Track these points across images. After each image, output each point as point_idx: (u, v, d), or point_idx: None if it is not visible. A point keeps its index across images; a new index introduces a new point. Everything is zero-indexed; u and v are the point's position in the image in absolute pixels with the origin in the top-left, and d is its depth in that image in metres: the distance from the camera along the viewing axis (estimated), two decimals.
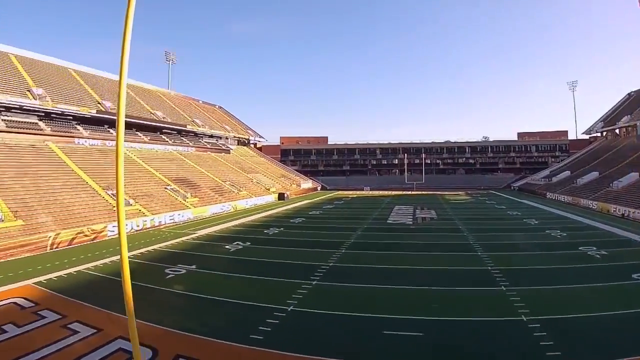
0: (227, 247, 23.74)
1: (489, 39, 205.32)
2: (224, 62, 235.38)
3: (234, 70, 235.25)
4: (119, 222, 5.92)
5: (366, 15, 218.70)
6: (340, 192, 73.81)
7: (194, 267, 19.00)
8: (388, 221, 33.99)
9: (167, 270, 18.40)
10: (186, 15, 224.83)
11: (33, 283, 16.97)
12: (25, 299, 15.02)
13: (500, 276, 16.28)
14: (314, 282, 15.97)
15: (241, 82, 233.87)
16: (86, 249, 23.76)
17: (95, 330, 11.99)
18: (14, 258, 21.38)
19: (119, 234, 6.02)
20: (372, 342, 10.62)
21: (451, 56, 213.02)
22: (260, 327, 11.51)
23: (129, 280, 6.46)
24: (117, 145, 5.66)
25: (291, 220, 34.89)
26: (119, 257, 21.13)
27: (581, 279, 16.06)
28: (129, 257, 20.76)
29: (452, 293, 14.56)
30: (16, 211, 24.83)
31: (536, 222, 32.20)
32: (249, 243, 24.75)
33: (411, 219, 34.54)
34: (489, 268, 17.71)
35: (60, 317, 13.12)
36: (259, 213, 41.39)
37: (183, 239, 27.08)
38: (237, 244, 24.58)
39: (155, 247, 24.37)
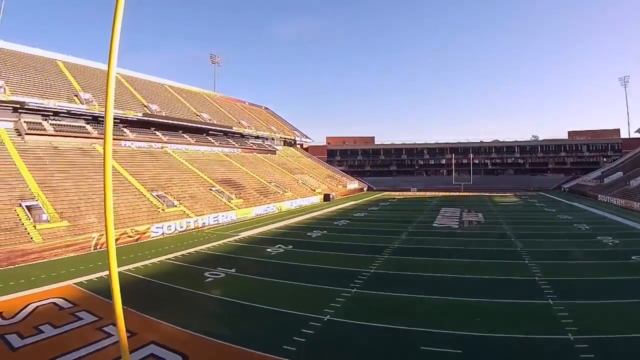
0: (268, 250, 23.55)
1: (537, 36, 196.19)
2: (271, 64, 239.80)
3: (280, 72, 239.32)
4: (107, 229, 5.33)
5: (410, 14, 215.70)
6: (386, 193, 72.78)
7: (233, 270, 18.88)
8: (434, 224, 33.19)
9: (206, 274, 18.38)
10: (230, 18, 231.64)
11: (74, 283, 17.35)
12: (64, 299, 15.30)
13: (547, 287, 15.13)
14: (353, 290, 15.41)
15: (287, 83, 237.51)
16: (129, 250, 24.22)
17: (129, 334, 11.57)
18: (58, 258, 22.10)
19: (107, 242, 5.41)
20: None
21: (499, 54, 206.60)
22: (295, 338, 11.05)
23: (118, 293, 5.81)
24: (105, 148, 5.07)
25: (335, 223, 34.63)
26: (160, 258, 21.75)
27: (636, 293, 14.44)
28: (172, 259, 21.20)
29: (496, 305, 13.59)
30: (62, 212, 25.69)
31: (587, 227, 30.33)
32: (291, 246, 24.49)
33: (457, 223, 33.60)
34: (536, 278, 16.57)
35: (97, 319, 13.20)
36: (303, 215, 41.20)
37: (225, 241, 27.15)
38: (279, 247, 24.34)
39: (197, 248, 24.50)
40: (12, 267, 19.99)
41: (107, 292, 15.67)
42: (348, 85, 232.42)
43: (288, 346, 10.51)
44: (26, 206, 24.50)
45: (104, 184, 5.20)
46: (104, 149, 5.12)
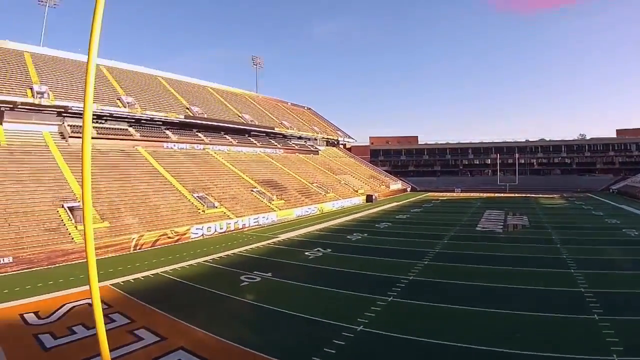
0: (306, 253, 23.33)
1: (584, 33, 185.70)
2: (313, 64, 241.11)
3: (322, 71, 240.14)
4: (85, 234, 4.88)
5: (453, 12, 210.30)
6: (430, 193, 71.78)
7: (269, 274, 18.73)
8: (477, 228, 32.08)
9: (242, 277, 18.29)
10: (271, 19, 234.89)
11: (111, 284, 17.66)
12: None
13: (593, 301, 13.94)
14: (390, 299, 14.81)
15: (330, 83, 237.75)
16: (168, 251, 24.58)
17: (159, 339, 11.90)
18: (98, 258, 22.17)
19: (86, 249, 4.95)
20: None
21: (544, 51, 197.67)
22: (325, 349, 10.66)
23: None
24: (83, 146, 4.61)
25: (376, 225, 34.24)
26: (198, 260, 21.75)
27: None
28: (209, 261, 21.17)
29: (539, 319, 12.63)
30: (103, 213, 26.41)
31: (637, 233, 28.21)
32: (330, 250, 24.13)
33: (501, 226, 32.48)
34: (582, 290, 15.40)
35: (129, 321, 13.29)
36: (344, 216, 40.85)
37: (264, 243, 27.09)
38: (317, 250, 24.06)
39: (235, 250, 24.52)
40: (52, 266, 20.71)
41: (143, 294, 16.09)
42: (391, 83, 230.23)
43: (317, 357, 10.15)
44: (68, 207, 25.40)
45: (82, 185, 4.76)
46: (82, 147, 4.69)
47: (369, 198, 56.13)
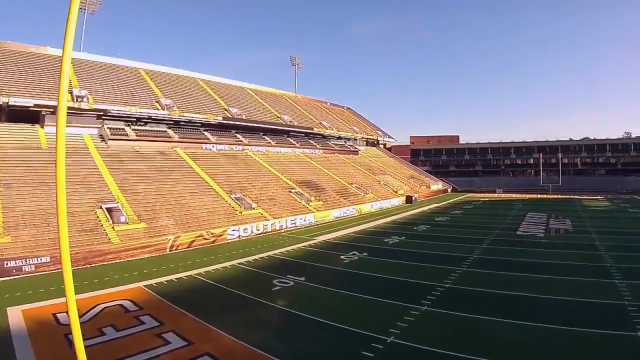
0: (342, 257, 22.91)
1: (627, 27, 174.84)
2: (352, 63, 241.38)
3: (361, 71, 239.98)
4: (60, 243, 4.48)
5: (490, 11, 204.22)
6: (471, 194, 70.20)
7: (302, 279, 18.43)
8: (518, 232, 30.84)
9: (275, 281, 18.07)
10: (310, 19, 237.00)
11: (144, 286, 17.83)
12: (132, 301, 15.65)
13: (638, 316, 12.82)
14: (424, 308, 14.18)
15: (369, 83, 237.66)
16: (203, 253, 24.70)
17: (186, 343, 11.78)
18: (134, 258, 23.11)
19: (61, 259, 4.55)
20: None
21: (585, 48, 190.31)
22: None
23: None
24: (57, 147, 4.22)
25: (415, 228, 33.61)
26: (232, 262, 21.65)
27: None
28: (244, 264, 21.05)
29: (580, 335, 11.66)
30: (140, 214, 26.89)
31: None
32: (366, 254, 23.64)
33: (543, 231, 31.10)
34: (626, 302, 14.21)
35: (158, 324, 13.25)
36: (383, 218, 40.21)
37: (300, 245, 26.83)
38: (353, 254, 23.59)
39: (270, 253, 24.35)
40: (89, 266, 21.21)
41: (175, 297, 16.03)
42: (431, 82, 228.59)
43: None
44: (106, 208, 26.02)
45: (57, 187, 4.38)
46: (57, 147, 4.31)
47: (409, 199, 55.25)
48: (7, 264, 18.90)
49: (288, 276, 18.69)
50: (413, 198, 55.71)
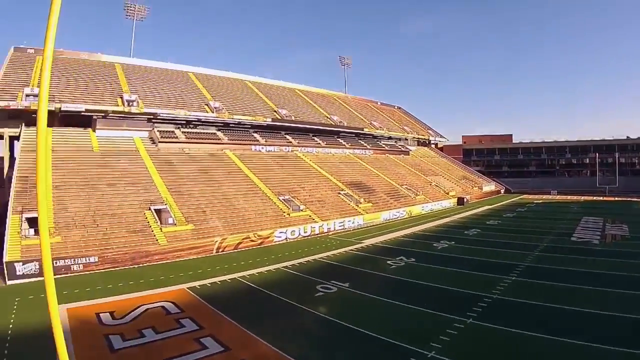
0: (388, 262, 22.30)
1: None
2: (402, 62, 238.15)
3: (412, 69, 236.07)
4: (42, 249, 4.07)
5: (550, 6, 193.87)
6: (524, 196, 67.37)
7: (347, 285, 17.92)
8: (572, 238, 28.78)
9: (318, 287, 17.70)
10: (358, 19, 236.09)
11: (187, 287, 17.97)
12: (174, 303, 15.76)
13: None
14: (469, 321, 13.30)
15: (420, 81, 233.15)
16: (249, 255, 24.74)
17: (223, 349, 11.68)
18: (180, 259, 23.44)
19: (43, 264, 4.14)
20: None
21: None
22: None
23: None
24: (38, 150, 3.83)
25: (465, 232, 32.43)
26: (277, 266, 21.45)
27: None
28: (289, 267, 20.80)
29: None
30: (189, 216, 27.29)
31: None
32: (413, 259, 22.87)
33: (599, 237, 28.95)
34: None
35: (198, 328, 13.22)
36: (433, 220, 39.11)
37: (347, 249, 26.31)
38: (401, 259, 22.89)
39: (316, 257, 23.98)
40: (135, 266, 21.76)
41: (217, 300, 15.96)
42: (484, 81, 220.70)
43: None
44: (155, 210, 26.63)
45: (37, 192, 4.01)
46: (37, 151, 3.93)
47: (460, 201, 53.70)
48: (56, 263, 19.62)
49: (332, 281, 18.27)
50: (465, 200, 54.06)
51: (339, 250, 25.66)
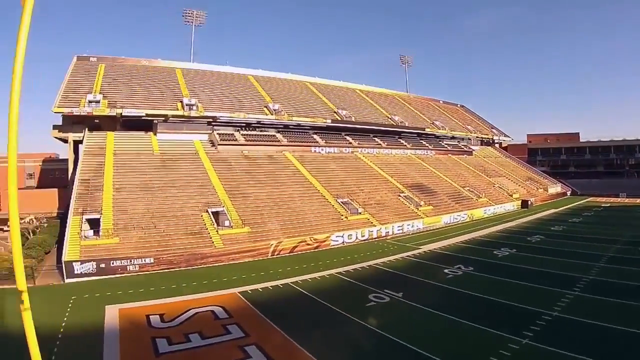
0: (445, 271, 21.25)
1: None
2: (465, 59, 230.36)
3: (475, 67, 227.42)
4: (14, 257, 3.65)
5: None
6: (591, 198, 62.59)
7: (400, 295, 17.18)
8: None
9: (370, 296, 17.06)
10: (419, 16, 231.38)
11: (239, 292, 17.92)
12: (223, 308, 15.71)
13: None
14: (524, 341, 12.15)
15: (484, 79, 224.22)
16: (304, 259, 24.41)
17: (266, 358, 11.42)
18: (235, 262, 23.54)
19: (16, 274, 3.71)
20: None
21: None
22: None
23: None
24: (8, 159, 3.42)
25: (528, 238, 30.49)
26: (331, 271, 21.07)
27: None
28: (342, 273, 20.28)
29: None
30: (245, 218, 27.44)
31: None
32: (471, 268, 21.66)
33: None
34: None
35: (243, 335, 13.05)
36: (495, 225, 37.15)
37: (404, 255, 25.35)
38: (458, 268, 21.76)
39: (371, 262, 23.23)
40: (190, 268, 22.08)
41: (266, 306, 15.86)
42: (549, 77, 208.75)
43: None
44: (212, 212, 27.06)
45: (9, 199, 3.60)
46: (8, 159, 3.55)
47: (524, 204, 50.90)
48: (113, 263, 20.36)
49: (385, 290, 17.54)
50: (529, 202, 51.15)
51: (395, 257, 24.81)
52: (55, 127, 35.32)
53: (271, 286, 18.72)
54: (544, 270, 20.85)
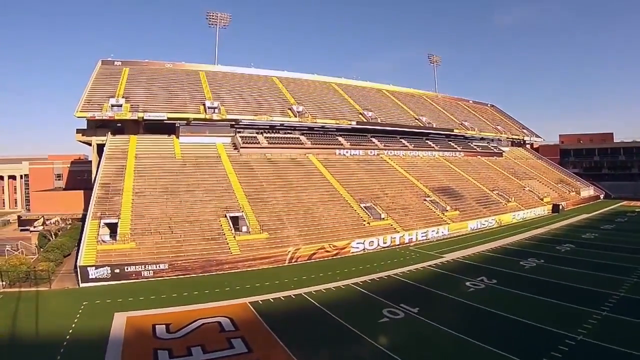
0: (467, 284, 20.31)
1: None
2: (495, 57, 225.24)
3: (505, 65, 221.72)
4: None
5: None
6: (625, 202, 59.77)
7: (416, 310, 16.44)
8: None
9: (384, 311, 16.42)
10: (447, 14, 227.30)
11: (249, 302, 17.58)
12: (230, 319, 15.42)
13: None
14: None
15: (515, 78, 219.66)
16: (321, 267, 23.88)
17: None
18: (251, 269, 23.23)
19: None
20: None
21: None
22: None
23: None
24: None
25: (557, 247, 29.13)
26: (347, 282, 20.52)
27: None
28: (359, 284, 19.96)
29: None
30: (264, 224, 27.18)
31: None
32: (495, 281, 20.66)
33: None
34: None
35: (247, 351, 12.75)
36: (524, 232, 35.72)
37: (425, 264, 24.53)
38: (481, 280, 20.82)
39: (391, 272, 22.52)
40: (205, 274, 21.90)
41: (275, 319, 15.49)
42: (583, 76, 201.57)
43: None
44: (231, 217, 26.87)
45: None
46: None
47: (555, 208, 49.03)
48: (127, 269, 20.44)
49: (401, 305, 16.84)
50: (560, 207, 49.21)
51: (416, 266, 24.01)
52: (79, 130, 36.15)
53: (283, 297, 18.33)
54: (571, 284, 19.75)
